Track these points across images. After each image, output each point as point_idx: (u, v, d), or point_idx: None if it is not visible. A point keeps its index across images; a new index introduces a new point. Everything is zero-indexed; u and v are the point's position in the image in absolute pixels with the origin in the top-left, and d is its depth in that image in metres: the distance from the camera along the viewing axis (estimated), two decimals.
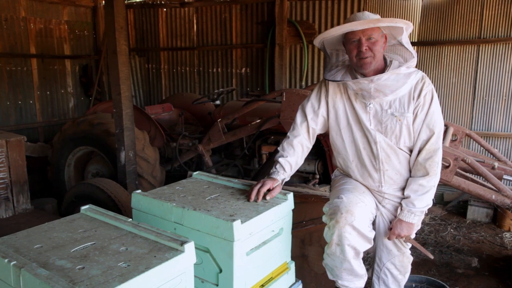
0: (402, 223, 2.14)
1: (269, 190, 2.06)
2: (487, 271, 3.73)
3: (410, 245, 2.35)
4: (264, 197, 2.03)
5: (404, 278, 2.38)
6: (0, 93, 6.36)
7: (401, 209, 2.15)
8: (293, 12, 6.39)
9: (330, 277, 2.26)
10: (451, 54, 5.56)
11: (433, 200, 2.16)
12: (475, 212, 4.91)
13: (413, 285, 3.03)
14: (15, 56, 6.48)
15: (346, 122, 2.22)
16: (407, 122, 2.08)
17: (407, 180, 2.20)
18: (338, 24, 6.11)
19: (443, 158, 2.52)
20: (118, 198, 3.56)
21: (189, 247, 1.45)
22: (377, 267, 2.40)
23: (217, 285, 1.80)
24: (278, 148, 2.35)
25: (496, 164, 3.64)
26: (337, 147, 2.32)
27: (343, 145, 2.27)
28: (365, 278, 2.24)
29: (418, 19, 5.73)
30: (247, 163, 4.74)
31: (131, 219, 1.70)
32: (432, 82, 2.15)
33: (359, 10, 5.93)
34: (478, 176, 3.47)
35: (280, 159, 2.25)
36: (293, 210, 2.10)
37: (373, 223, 2.27)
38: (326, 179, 4.21)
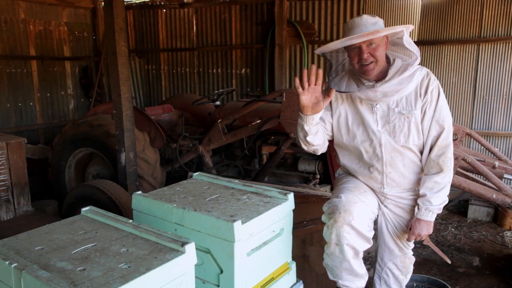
0: (421, 222, 2.12)
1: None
2: (488, 270, 3.73)
3: (412, 246, 2.35)
4: (264, 196, 2.02)
5: (405, 278, 2.38)
6: (0, 95, 6.36)
7: (418, 208, 2.13)
8: (293, 12, 6.39)
9: (331, 277, 2.26)
10: (451, 53, 5.56)
11: (447, 196, 2.14)
12: (476, 211, 4.91)
13: (414, 284, 3.03)
14: (15, 58, 6.49)
15: (350, 125, 2.20)
16: (415, 120, 2.07)
17: (410, 181, 2.19)
18: (338, 24, 6.12)
19: None
20: (118, 199, 3.55)
21: (190, 248, 1.45)
22: (379, 267, 2.40)
23: (218, 285, 1.80)
24: None
25: (497, 163, 3.63)
26: (340, 149, 2.32)
27: (346, 148, 2.26)
28: (366, 278, 2.24)
29: (418, 19, 5.73)
30: (247, 164, 4.74)
31: (131, 220, 1.70)
32: None
33: (359, 10, 5.94)
34: (479, 175, 3.47)
35: None
36: (293, 210, 2.10)
37: (375, 223, 2.26)
38: (326, 179, 4.21)
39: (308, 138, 2.12)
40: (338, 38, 6.10)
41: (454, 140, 3.93)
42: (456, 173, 3.28)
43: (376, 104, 2.11)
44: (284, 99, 3.85)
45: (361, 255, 2.14)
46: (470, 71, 5.50)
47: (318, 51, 2.15)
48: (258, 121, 4.22)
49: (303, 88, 1.98)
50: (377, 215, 2.27)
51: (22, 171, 3.63)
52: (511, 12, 5.18)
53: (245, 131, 4.28)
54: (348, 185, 2.23)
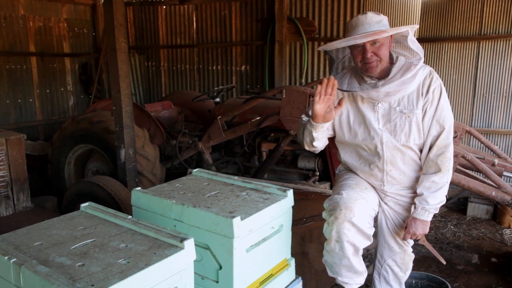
0: (416, 221, 2.12)
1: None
2: (487, 267, 3.74)
3: (412, 243, 2.35)
4: (264, 192, 2.02)
5: (405, 275, 2.38)
6: (0, 91, 6.35)
7: (415, 207, 2.13)
8: (293, 9, 6.37)
9: (330, 274, 2.26)
10: (451, 51, 5.55)
11: (446, 196, 2.14)
12: (475, 209, 4.91)
13: (413, 281, 3.03)
14: (14, 55, 6.48)
15: (351, 124, 2.20)
16: (417, 119, 2.07)
17: (411, 179, 2.19)
18: (338, 21, 6.11)
19: None
20: (118, 195, 3.55)
21: (189, 244, 1.45)
22: (378, 264, 2.40)
23: (217, 281, 1.80)
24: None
25: (496, 160, 3.63)
26: (341, 146, 2.31)
27: (348, 145, 2.26)
28: (365, 275, 2.24)
29: (418, 16, 5.72)
30: (247, 161, 4.74)
31: (131, 216, 1.70)
32: None
33: (359, 7, 5.92)
34: (478, 173, 3.47)
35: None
36: (293, 207, 2.10)
37: (375, 220, 2.26)
38: (326, 176, 4.21)
39: (314, 143, 2.14)
40: (338, 35, 6.11)
41: (454, 137, 3.94)
42: (456, 170, 3.28)
43: (378, 103, 2.11)
44: (284, 96, 3.84)
45: (361, 252, 2.15)
46: (470, 69, 5.49)
47: (321, 49, 2.14)
48: (258, 118, 4.22)
49: (319, 97, 1.95)
50: (377, 212, 2.27)
51: (21, 167, 3.63)
52: None
53: (245, 128, 4.27)
54: (349, 182, 2.22)
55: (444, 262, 2.40)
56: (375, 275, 2.43)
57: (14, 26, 6.43)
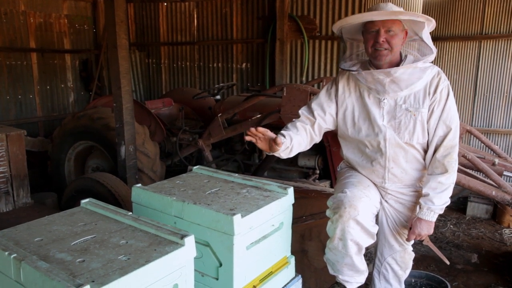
0: (421, 222, 2.10)
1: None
2: (486, 267, 3.74)
3: (412, 241, 2.35)
4: (264, 190, 2.02)
5: (404, 274, 2.38)
6: (0, 87, 6.35)
7: (420, 207, 2.12)
8: (294, 7, 6.36)
9: (331, 272, 2.26)
10: (452, 50, 5.54)
11: (450, 198, 2.13)
12: (474, 208, 4.91)
13: (413, 280, 3.03)
14: (15, 51, 6.47)
15: (356, 119, 2.19)
16: (422, 118, 2.06)
17: (412, 178, 2.19)
18: (339, 19, 6.09)
19: None
20: (118, 192, 3.56)
21: (189, 241, 1.45)
22: (378, 262, 2.40)
23: (217, 279, 1.81)
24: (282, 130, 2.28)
25: (497, 160, 3.63)
26: (344, 141, 2.31)
27: (350, 140, 2.26)
28: (366, 274, 2.24)
29: None
30: (247, 158, 4.74)
31: (131, 213, 1.70)
32: None
33: (360, 5, 5.90)
34: (479, 172, 3.47)
35: (281, 131, 2.19)
36: (293, 205, 2.09)
37: (376, 217, 2.27)
38: (326, 174, 4.21)
39: (283, 156, 2.18)
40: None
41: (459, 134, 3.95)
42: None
43: (384, 99, 2.11)
44: (284, 94, 3.84)
45: (363, 251, 2.15)
46: (471, 68, 5.49)
47: (336, 25, 2.13)
48: (259, 116, 4.21)
49: (256, 141, 2.03)
50: (378, 210, 2.27)
51: (21, 163, 3.63)
52: None
53: (245, 126, 4.27)
54: (352, 180, 2.22)
55: (448, 263, 2.40)
56: (375, 273, 2.43)
57: (14, 22, 6.42)
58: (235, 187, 2.11)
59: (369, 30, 2.04)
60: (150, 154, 4.32)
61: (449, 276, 3.52)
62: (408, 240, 2.21)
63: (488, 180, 3.31)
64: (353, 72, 2.13)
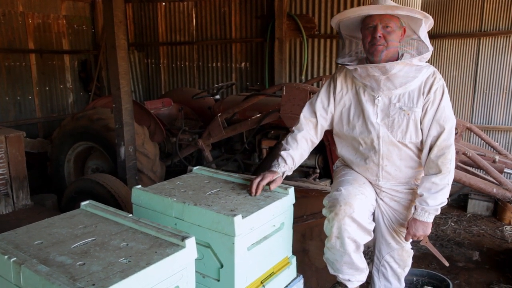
0: (417, 222, 2.10)
1: (270, 184, 2.05)
2: (487, 264, 3.74)
3: (410, 241, 2.34)
4: (264, 190, 2.02)
5: (403, 271, 2.38)
6: None
7: (415, 208, 2.12)
8: (293, 5, 6.35)
9: (331, 271, 2.26)
10: (451, 47, 5.53)
11: (447, 198, 2.12)
12: (475, 206, 4.91)
13: (414, 278, 3.03)
14: (13, 52, 6.46)
15: (351, 116, 2.20)
16: (415, 117, 2.06)
17: (406, 176, 2.19)
18: None
19: None
20: (118, 193, 3.55)
21: (190, 242, 1.44)
22: (377, 260, 2.40)
23: (218, 280, 1.80)
24: (282, 142, 2.33)
25: (497, 157, 3.63)
26: (338, 139, 2.32)
27: (345, 138, 2.27)
28: (367, 272, 2.24)
29: None
30: (247, 158, 4.73)
31: (131, 215, 1.69)
32: None
33: (359, 4, 5.90)
34: (479, 170, 3.46)
35: (282, 153, 2.24)
36: (294, 205, 2.09)
37: (373, 215, 2.26)
38: (326, 173, 4.21)
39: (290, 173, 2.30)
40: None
41: (454, 134, 3.94)
42: (456, 167, 3.28)
43: (378, 96, 2.10)
44: (284, 93, 3.83)
45: (361, 248, 2.14)
46: (471, 65, 5.48)
47: (335, 19, 2.14)
48: (258, 115, 4.21)
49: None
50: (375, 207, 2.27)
51: (21, 164, 3.62)
52: None
53: (245, 125, 4.26)
54: (347, 178, 2.22)
55: (447, 264, 2.38)
56: (374, 272, 2.43)
57: (13, 23, 6.41)
58: (235, 187, 2.11)
59: (367, 26, 2.04)
60: (150, 154, 4.31)
61: (451, 274, 3.51)
62: (405, 240, 2.21)
63: (489, 178, 3.31)
64: (349, 68, 2.13)
